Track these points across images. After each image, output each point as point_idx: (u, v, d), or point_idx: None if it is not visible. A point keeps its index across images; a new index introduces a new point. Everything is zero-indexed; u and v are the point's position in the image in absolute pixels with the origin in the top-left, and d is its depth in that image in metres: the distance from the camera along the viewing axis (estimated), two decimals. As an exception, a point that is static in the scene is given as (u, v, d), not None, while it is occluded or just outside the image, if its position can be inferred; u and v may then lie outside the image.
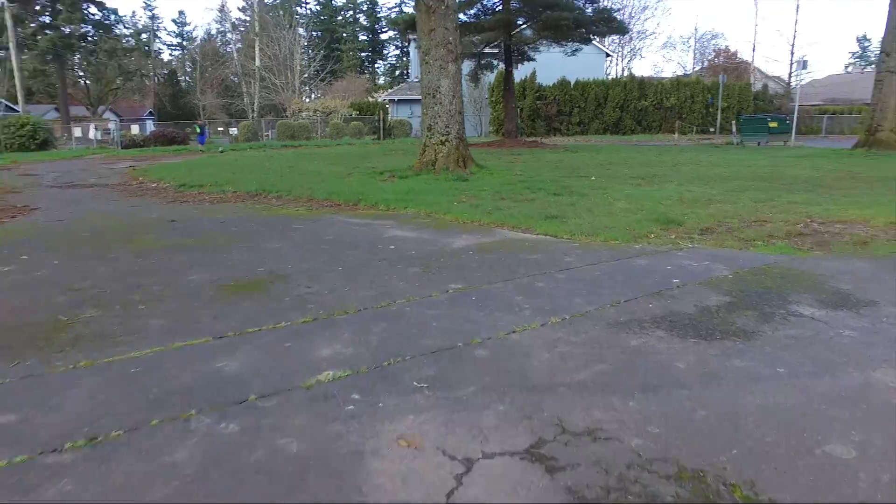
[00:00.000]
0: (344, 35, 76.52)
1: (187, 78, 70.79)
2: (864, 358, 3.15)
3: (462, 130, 13.12)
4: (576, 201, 9.26)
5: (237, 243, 6.39)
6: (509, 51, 26.12)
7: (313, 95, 56.98)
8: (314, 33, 74.32)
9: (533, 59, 27.92)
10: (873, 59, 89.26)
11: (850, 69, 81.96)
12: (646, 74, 49.24)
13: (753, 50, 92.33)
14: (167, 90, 63.79)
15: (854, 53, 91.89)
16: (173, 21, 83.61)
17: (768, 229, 7.17)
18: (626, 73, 49.82)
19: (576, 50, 26.98)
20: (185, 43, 74.13)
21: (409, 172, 12.56)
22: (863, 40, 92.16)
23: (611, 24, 24.78)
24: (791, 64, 51.65)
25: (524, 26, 25.37)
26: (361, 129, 35.58)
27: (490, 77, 35.98)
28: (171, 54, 75.45)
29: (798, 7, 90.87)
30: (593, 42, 37.18)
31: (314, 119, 36.62)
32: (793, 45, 75.47)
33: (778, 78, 55.43)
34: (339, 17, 78.38)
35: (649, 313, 3.80)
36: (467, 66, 26.51)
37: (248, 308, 4.06)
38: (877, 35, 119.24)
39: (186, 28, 75.91)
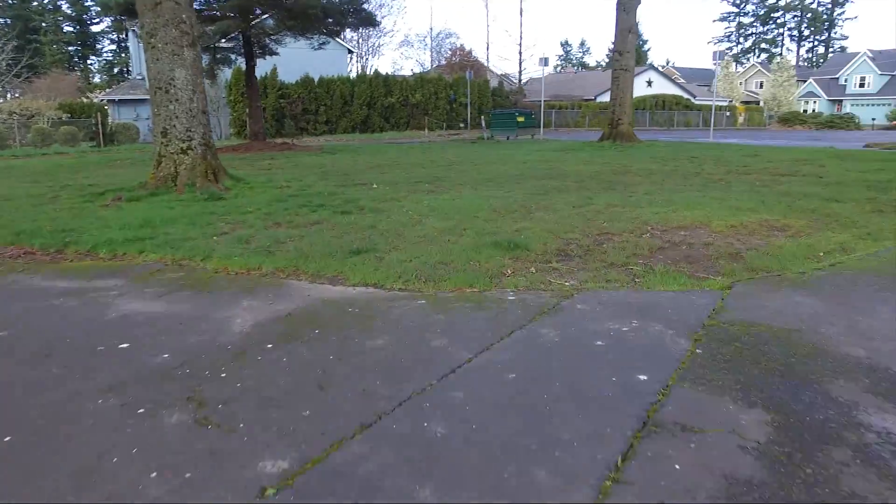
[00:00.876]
0: (43, 25, 65.01)
1: None
2: None
3: (209, 134, 10.29)
4: (375, 221, 7.23)
5: None
6: (250, 43, 23.06)
7: (8, 95, 47.25)
8: (1, 20, 62.00)
9: (276, 53, 25.06)
10: (575, 61, 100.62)
11: (558, 70, 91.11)
12: (386, 72, 48.71)
13: (487, 49, 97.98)
14: None
15: (560, 56, 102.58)
16: None
17: (625, 246, 5.94)
18: (370, 70, 48.81)
19: (323, 43, 24.79)
20: None
21: (143, 192, 9.44)
22: (566, 45, 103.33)
23: (360, 16, 23.02)
24: (520, 62, 55.02)
25: (266, 15, 22.50)
26: (76, 135, 29.55)
27: (227, 74, 32.27)
28: None
29: (522, 11, 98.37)
30: (335, 38, 35.40)
31: (11, 123, 29.69)
32: (520, 46, 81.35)
33: (505, 75, 58.76)
34: (35, 4, 66.30)
35: (705, 493, 1.92)
36: (202, 60, 22.97)
37: None
38: (576, 40, 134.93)
39: None
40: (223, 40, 24.01)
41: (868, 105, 65.39)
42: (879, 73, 67.08)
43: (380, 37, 64.89)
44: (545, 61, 29.92)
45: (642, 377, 2.80)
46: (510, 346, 3.22)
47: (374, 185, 10.94)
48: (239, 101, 33.18)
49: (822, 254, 5.73)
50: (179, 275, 4.92)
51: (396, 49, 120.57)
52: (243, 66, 24.98)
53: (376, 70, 42.03)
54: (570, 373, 2.87)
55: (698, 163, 15.62)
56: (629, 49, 22.30)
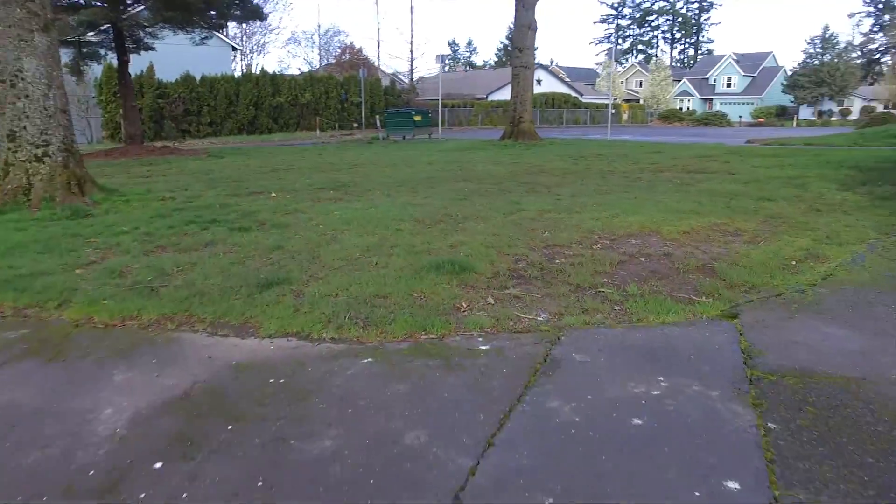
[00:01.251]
0: None
1: None
2: None
3: (71, 138, 8.63)
4: (281, 240, 6.07)
5: None
6: (122, 36, 20.67)
7: None
8: None
9: (153, 49, 22.68)
10: (463, 60, 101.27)
11: (447, 69, 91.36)
12: (273, 70, 46.38)
13: (378, 47, 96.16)
14: None
15: (448, 55, 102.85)
16: None
17: (581, 261, 5.22)
18: (256, 69, 46.28)
19: (205, 38, 22.73)
20: None
21: (-16, 209, 7.72)
22: (453, 44, 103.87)
23: (245, 8, 21.24)
24: (412, 61, 54.35)
25: (140, 6, 20.22)
26: None
27: (97, 71, 29.26)
28: None
29: (412, 8, 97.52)
30: (217, 34, 33.12)
31: None
32: (411, 44, 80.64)
33: (396, 74, 57.81)
34: None
35: None
36: (65, 55, 20.40)
37: None
38: (463, 40, 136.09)
39: None
40: (90, 32, 21.51)
41: (735, 103, 69.68)
42: (743, 74, 71.87)
43: (265, 34, 62.18)
44: (442, 58, 29.22)
45: (733, 485, 1.93)
46: (520, 439, 2.25)
47: (273, 194, 9.66)
48: (111, 100, 30.16)
49: (794, 262, 5.20)
50: (21, 332, 3.58)
51: (283, 47, 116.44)
52: (115, 63, 22.50)
53: (263, 69, 39.95)
54: (630, 486, 1.94)
55: (608, 161, 15.31)
56: (529, 45, 21.89)
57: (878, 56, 74.91)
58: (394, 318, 3.68)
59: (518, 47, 22.17)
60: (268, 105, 37.39)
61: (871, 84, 66.22)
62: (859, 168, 12.58)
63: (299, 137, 33.89)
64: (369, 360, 3.06)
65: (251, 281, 4.50)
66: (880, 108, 56.11)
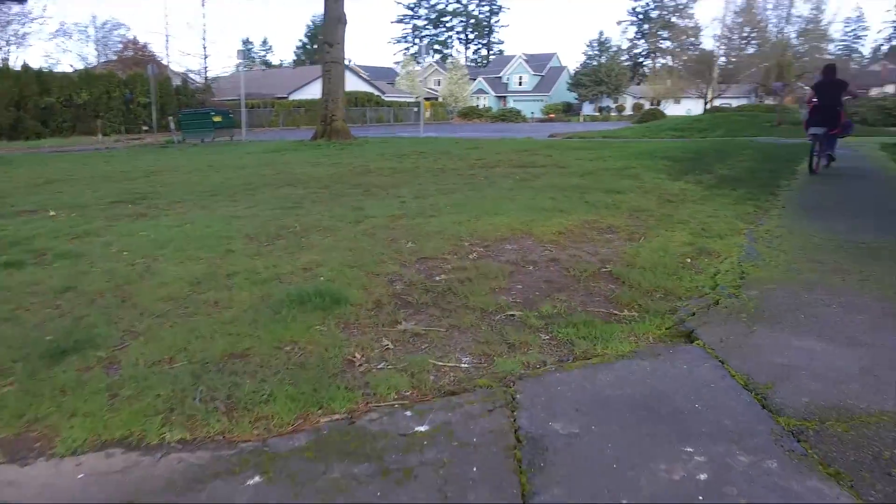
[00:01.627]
0: None
1: None
2: None
3: None
4: (72, 277, 4.56)
5: None
6: None
7: None
8: None
9: None
10: (258, 59, 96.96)
11: (241, 68, 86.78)
12: (40, 66, 40.31)
13: (167, 43, 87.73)
14: None
15: (241, 52, 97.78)
16: None
17: (468, 276, 4.51)
18: (16, 63, 39.90)
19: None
20: None
21: None
22: (247, 43, 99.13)
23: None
24: (205, 58, 50.66)
25: None
26: None
27: None
28: None
29: (204, 3, 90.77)
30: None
31: None
32: (204, 41, 75.19)
33: (187, 73, 53.45)
34: None
35: None
36: None
37: None
38: (257, 38, 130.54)
39: None
40: None
41: (527, 100, 73.93)
42: (532, 73, 76.63)
43: (25, 23, 53.91)
44: (243, 54, 27.09)
45: None
46: None
47: (52, 213, 7.72)
48: None
49: (689, 260, 4.87)
50: None
51: (50, 39, 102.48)
52: None
53: (25, 64, 34.39)
54: None
55: (433, 158, 14.78)
56: (339, 40, 20.76)
57: (641, 60, 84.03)
58: (269, 391, 2.56)
59: (328, 42, 20.94)
60: (34, 106, 32.48)
61: (639, 84, 73.65)
62: (671, 159, 13.23)
63: (78, 143, 29.66)
64: (256, 479, 1.94)
65: (32, 349, 3.09)
66: (647, 104, 62.47)
